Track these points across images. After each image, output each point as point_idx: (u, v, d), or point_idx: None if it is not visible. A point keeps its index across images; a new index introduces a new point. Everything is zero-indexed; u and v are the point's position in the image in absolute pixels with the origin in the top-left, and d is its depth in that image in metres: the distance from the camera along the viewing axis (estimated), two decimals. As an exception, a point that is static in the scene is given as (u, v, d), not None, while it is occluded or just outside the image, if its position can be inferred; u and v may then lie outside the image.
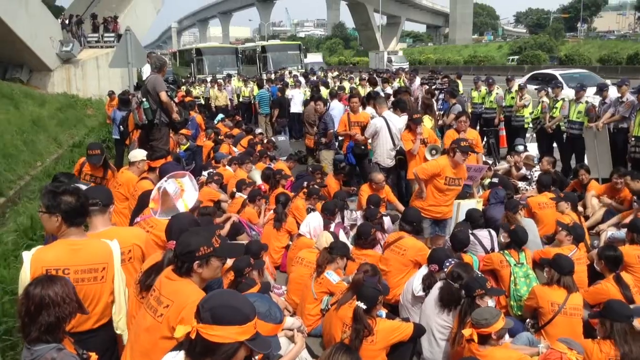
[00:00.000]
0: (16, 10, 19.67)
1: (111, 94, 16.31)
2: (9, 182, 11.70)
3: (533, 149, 11.69)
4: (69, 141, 16.12)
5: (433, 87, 15.89)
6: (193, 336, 2.08)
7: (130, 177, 6.37)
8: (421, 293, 5.12)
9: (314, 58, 53.19)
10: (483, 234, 6.45)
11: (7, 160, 12.18)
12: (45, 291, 2.66)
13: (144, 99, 7.93)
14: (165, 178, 4.46)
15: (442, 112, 12.67)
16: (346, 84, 18.63)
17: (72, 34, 25.99)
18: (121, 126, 10.74)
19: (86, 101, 22.76)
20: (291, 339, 4.10)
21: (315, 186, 8.13)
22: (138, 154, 6.55)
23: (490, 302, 4.50)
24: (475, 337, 3.84)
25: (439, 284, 4.90)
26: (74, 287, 2.80)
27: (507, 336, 4.33)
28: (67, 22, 26.55)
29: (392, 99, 11.76)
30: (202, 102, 21.04)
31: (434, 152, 7.98)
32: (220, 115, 18.46)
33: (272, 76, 23.18)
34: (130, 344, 3.13)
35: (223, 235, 6.46)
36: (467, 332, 3.90)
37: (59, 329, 2.70)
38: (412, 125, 8.18)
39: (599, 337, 4.08)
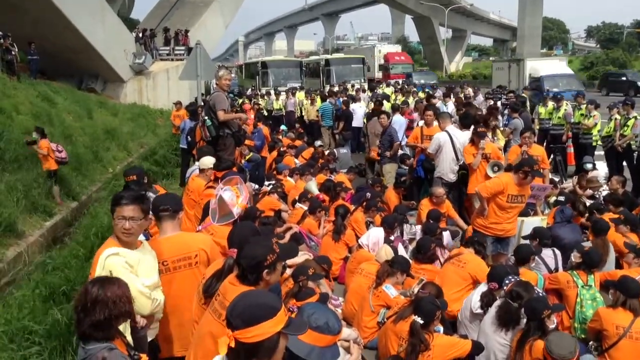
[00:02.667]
0: (94, 24, 20.71)
1: (177, 104, 16.86)
2: (82, 187, 12.29)
3: (602, 167, 11.30)
4: (139, 150, 16.77)
5: (498, 102, 15.62)
6: (233, 345, 2.12)
7: (199, 184, 6.61)
8: (479, 310, 5.05)
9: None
10: (547, 253, 6.30)
11: (80, 166, 12.79)
12: (102, 290, 2.81)
13: (206, 117, 8.18)
14: (222, 186, 4.62)
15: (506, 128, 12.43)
16: (410, 99, 18.56)
17: (145, 46, 27.05)
18: (189, 136, 11.10)
19: (156, 111, 23.60)
20: (347, 349, 4.14)
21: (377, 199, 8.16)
22: (208, 162, 6.75)
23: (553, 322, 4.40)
24: None
25: (497, 302, 4.83)
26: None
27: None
28: (140, 35, 27.68)
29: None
30: (266, 113, 21.43)
31: (496, 168, 7.86)
32: (283, 126, 18.77)
33: (335, 89, 23.29)
34: (193, 348, 3.25)
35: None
36: None
37: (111, 328, 2.83)
38: (476, 139, 8.09)
39: None
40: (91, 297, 2.81)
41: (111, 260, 3.37)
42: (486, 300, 5.04)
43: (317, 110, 17.96)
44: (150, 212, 3.69)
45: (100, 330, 2.80)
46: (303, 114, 20.54)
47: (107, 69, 23.09)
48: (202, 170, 6.78)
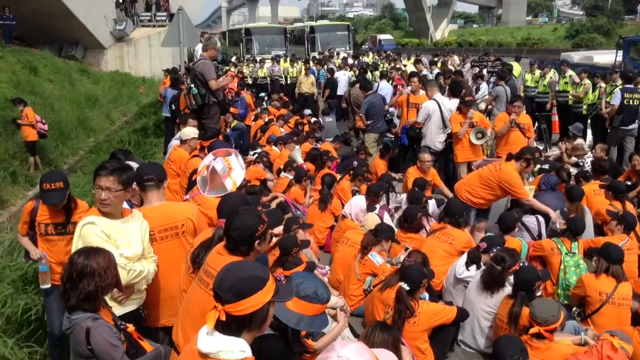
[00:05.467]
0: (72, -12, 20.16)
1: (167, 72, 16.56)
2: (63, 157, 12.15)
3: (588, 135, 11.35)
4: (121, 118, 16.56)
5: (484, 69, 15.57)
6: (223, 318, 2.12)
7: (182, 155, 6.53)
8: (464, 274, 5.10)
9: None
10: (530, 220, 6.36)
11: (62, 135, 12.61)
12: (88, 261, 2.82)
13: (192, 85, 8.03)
14: (212, 156, 4.55)
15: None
16: (400, 65, 18.42)
17: (125, 12, 26.49)
18: (173, 105, 10.93)
19: (138, 79, 23.24)
20: (334, 317, 4.16)
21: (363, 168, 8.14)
22: (189, 132, 6.67)
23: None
24: (545, 334, 3.84)
25: (482, 268, 4.90)
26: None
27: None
28: (121, 0, 27.06)
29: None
30: (250, 81, 21.17)
31: (479, 135, 7.88)
32: (262, 94, 18.52)
33: (320, 56, 23.05)
34: (181, 317, 3.24)
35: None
36: (535, 329, 3.88)
37: (96, 299, 2.85)
38: (464, 108, 8.09)
39: None
40: (77, 269, 2.81)
41: (86, 229, 3.38)
42: (472, 257, 5.11)
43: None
44: (134, 183, 3.65)
45: (86, 301, 2.81)
46: (289, 81, 20.21)
47: (87, 35, 22.60)
48: (183, 141, 6.69)
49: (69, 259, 2.93)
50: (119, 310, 3.41)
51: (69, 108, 14.52)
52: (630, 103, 10.03)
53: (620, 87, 10.45)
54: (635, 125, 10.18)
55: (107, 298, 3.37)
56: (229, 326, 2.14)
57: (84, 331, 2.77)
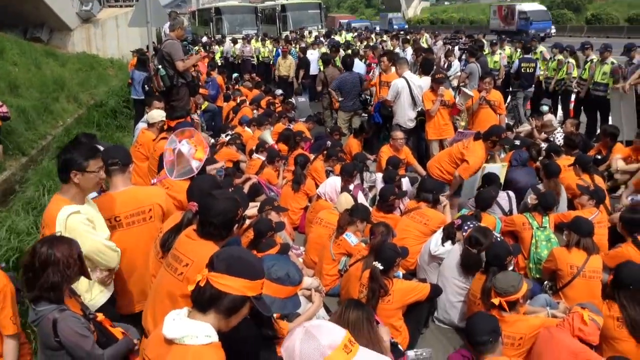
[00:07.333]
0: (36, -32, 19.57)
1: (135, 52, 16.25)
2: (30, 142, 11.84)
3: (558, 111, 11.45)
4: (90, 101, 16.20)
5: (455, 46, 15.59)
6: (202, 284, 2.11)
7: (149, 138, 6.43)
8: (439, 250, 5.12)
9: None
10: (501, 195, 6.41)
11: (28, 119, 12.28)
12: (52, 250, 2.72)
13: (160, 66, 7.88)
14: (176, 138, 4.47)
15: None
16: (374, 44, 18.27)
17: (91, -8, 25.85)
18: (146, 86, 10.70)
19: (106, 61, 22.75)
20: (309, 298, 4.16)
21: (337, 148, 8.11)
22: (157, 115, 6.55)
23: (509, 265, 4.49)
24: (505, 305, 3.85)
25: (457, 248, 4.91)
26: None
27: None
28: (86, -19, 26.39)
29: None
30: (219, 62, 20.89)
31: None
32: (235, 74, 18.26)
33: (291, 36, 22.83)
34: (150, 302, 3.19)
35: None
36: (496, 301, 3.89)
37: (61, 289, 2.77)
38: (435, 86, 8.08)
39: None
40: (40, 259, 2.72)
41: (72, 219, 3.21)
42: (446, 233, 5.15)
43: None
44: None
45: (51, 291, 2.72)
46: (260, 60, 19.94)
47: (52, 16, 21.96)
48: (151, 124, 6.57)
49: (31, 248, 2.84)
50: (102, 297, 3.38)
51: (35, 92, 14.12)
52: (527, 71, 11.97)
53: (520, 57, 12.65)
54: (532, 89, 12.21)
55: (95, 282, 3.31)
56: (202, 295, 2.11)
57: (50, 323, 2.70)
